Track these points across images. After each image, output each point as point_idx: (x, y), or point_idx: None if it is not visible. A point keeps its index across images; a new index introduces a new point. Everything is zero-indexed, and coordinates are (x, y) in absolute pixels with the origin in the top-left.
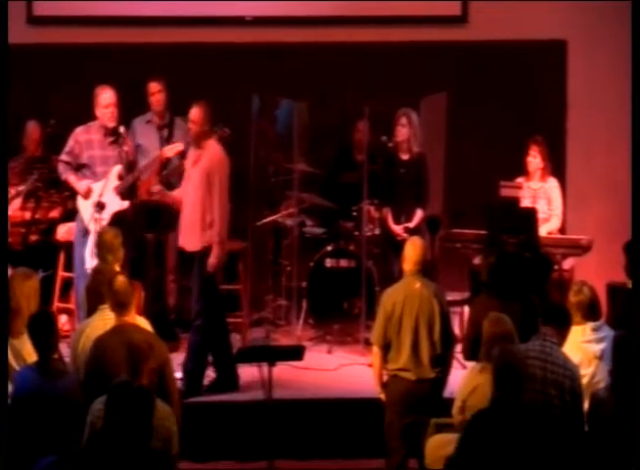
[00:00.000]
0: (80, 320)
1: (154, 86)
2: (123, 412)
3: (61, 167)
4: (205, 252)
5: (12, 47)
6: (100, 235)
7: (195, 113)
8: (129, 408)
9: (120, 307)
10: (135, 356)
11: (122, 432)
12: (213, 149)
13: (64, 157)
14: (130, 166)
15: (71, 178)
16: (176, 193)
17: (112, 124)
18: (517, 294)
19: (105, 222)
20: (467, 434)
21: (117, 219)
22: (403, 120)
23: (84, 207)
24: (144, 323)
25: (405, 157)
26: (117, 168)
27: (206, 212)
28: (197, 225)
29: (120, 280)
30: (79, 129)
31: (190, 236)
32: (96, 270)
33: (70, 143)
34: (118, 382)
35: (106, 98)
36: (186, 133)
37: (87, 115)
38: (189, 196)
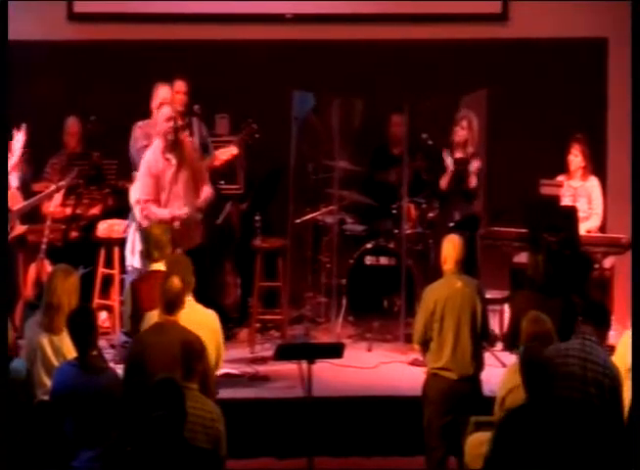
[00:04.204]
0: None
1: (180, 85)
2: (166, 409)
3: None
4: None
5: (52, 44)
6: (148, 230)
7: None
8: (171, 405)
9: (170, 308)
10: (189, 355)
11: (166, 428)
12: (188, 145)
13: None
14: None
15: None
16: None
17: None
18: (561, 291)
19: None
20: (499, 432)
21: None
22: (464, 123)
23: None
24: (213, 316)
25: (459, 155)
26: None
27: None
28: (196, 222)
29: (175, 281)
30: (140, 123)
31: (193, 234)
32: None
33: (137, 134)
34: (160, 379)
35: (163, 92)
36: (205, 134)
37: (128, 111)
38: (181, 197)
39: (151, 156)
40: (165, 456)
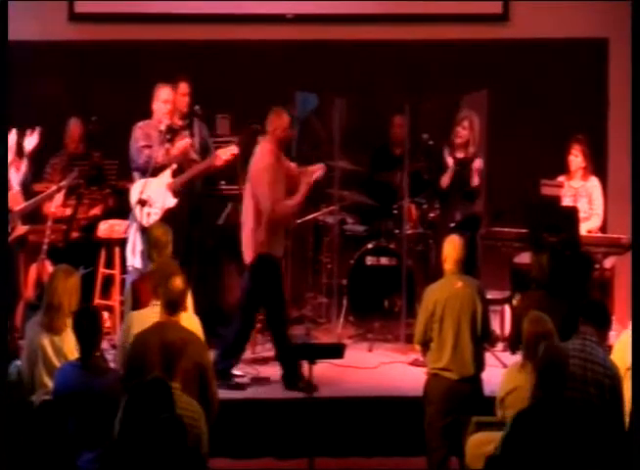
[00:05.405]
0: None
1: (184, 87)
2: (157, 409)
3: (146, 152)
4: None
5: (53, 44)
6: (149, 230)
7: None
8: (162, 404)
9: (172, 308)
10: (169, 355)
11: (153, 428)
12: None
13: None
14: (186, 165)
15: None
16: None
17: (166, 121)
18: (566, 292)
19: (153, 219)
20: (510, 432)
21: (168, 217)
22: (465, 123)
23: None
24: (195, 323)
25: (460, 155)
26: (172, 166)
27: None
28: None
29: (178, 281)
30: (141, 123)
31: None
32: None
33: (138, 134)
34: (150, 379)
35: (164, 93)
36: (205, 134)
37: (128, 111)
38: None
39: (268, 159)
40: (150, 455)
